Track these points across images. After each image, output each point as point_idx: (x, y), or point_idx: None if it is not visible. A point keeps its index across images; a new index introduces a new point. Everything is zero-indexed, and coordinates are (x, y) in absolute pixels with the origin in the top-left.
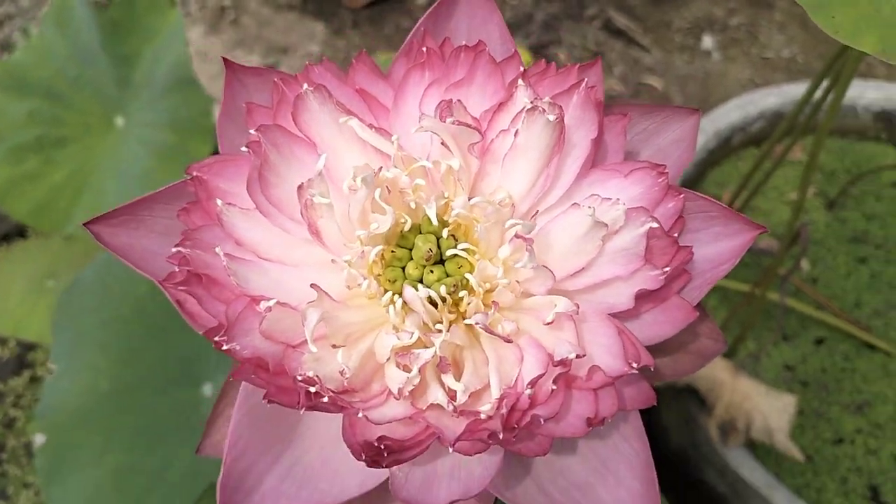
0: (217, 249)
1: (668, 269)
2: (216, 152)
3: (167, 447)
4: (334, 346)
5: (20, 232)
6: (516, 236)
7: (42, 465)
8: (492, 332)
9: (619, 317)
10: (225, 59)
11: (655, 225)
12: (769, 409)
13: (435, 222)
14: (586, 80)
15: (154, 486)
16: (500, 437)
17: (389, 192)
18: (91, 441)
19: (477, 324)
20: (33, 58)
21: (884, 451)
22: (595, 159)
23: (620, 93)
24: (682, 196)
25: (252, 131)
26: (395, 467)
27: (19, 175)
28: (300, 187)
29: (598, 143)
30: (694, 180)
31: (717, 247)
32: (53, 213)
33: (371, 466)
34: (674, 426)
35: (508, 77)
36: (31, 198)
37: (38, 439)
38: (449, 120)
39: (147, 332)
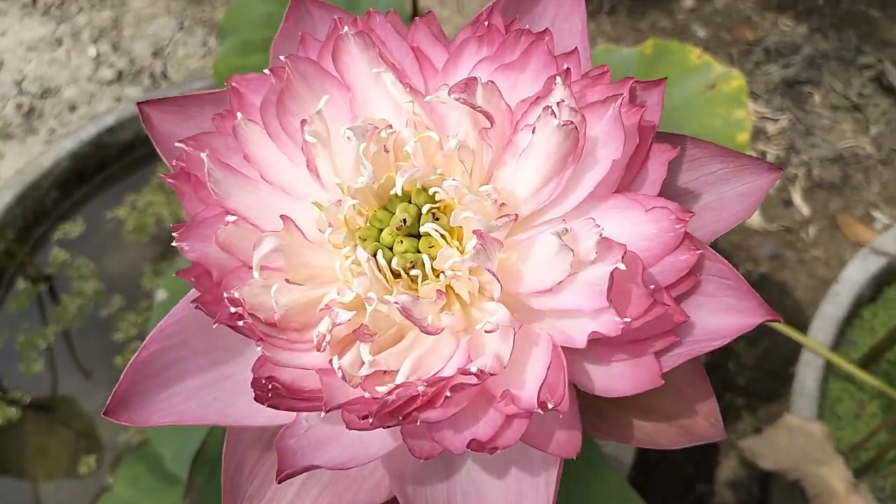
0: (202, 154)
1: (629, 319)
2: None
3: None
4: (289, 282)
5: None
6: (473, 231)
7: None
8: (410, 317)
9: (582, 355)
10: None
11: (622, 267)
12: None
13: (399, 192)
14: (625, 96)
15: None
16: (371, 421)
17: (388, 151)
18: None
19: (396, 303)
20: None
21: None
22: (631, 184)
23: (869, 154)
24: (698, 252)
25: (281, 58)
26: (303, 414)
27: (239, 67)
28: (302, 122)
29: (634, 168)
30: None
31: (721, 319)
32: None
33: (257, 401)
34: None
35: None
36: None
37: None
38: (453, 96)
39: None
